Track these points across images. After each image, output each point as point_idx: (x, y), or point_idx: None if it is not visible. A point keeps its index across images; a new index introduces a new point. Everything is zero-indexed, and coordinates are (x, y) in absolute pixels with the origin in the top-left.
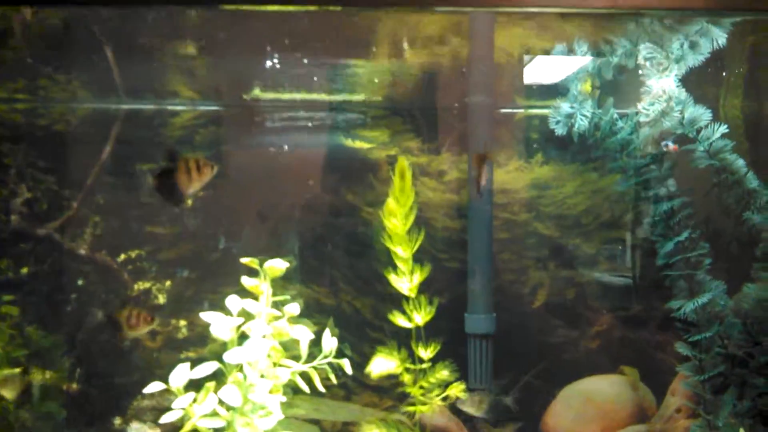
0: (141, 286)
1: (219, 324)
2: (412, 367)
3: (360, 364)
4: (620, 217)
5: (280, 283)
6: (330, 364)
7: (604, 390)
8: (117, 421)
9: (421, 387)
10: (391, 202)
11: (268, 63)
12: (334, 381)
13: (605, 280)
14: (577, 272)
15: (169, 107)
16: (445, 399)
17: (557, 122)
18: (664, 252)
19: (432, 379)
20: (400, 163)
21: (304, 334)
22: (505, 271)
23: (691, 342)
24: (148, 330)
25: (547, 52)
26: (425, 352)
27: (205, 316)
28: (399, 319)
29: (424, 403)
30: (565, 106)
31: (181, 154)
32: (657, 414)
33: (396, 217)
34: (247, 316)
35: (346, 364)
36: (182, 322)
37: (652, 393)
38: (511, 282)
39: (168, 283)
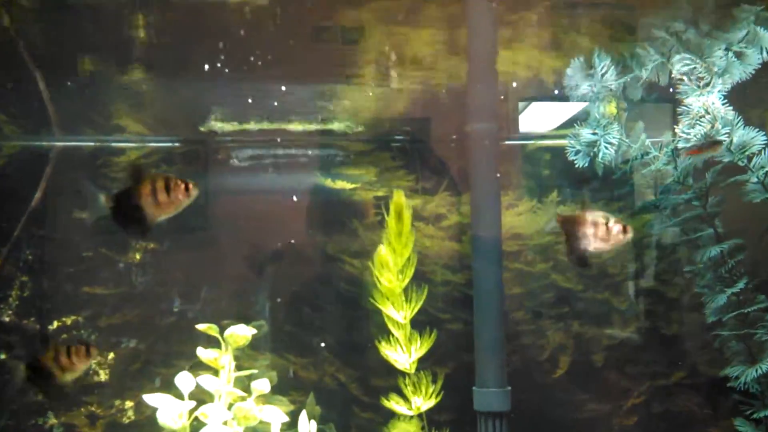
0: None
1: (167, 409)
2: None
3: None
4: (655, 266)
5: (248, 353)
6: None
7: None
8: None
9: None
10: (382, 251)
11: (230, 88)
12: None
13: (641, 341)
14: (606, 333)
15: (113, 144)
16: None
17: (577, 152)
18: (714, 307)
19: None
20: (396, 199)
21: (275, 416)
22: (519, 333)
23: (754, 418)
24: (86, 367)
25: (560, 71)
26: None
27: (150, 399)
28: (396, 405)
29: None
30: (585, 133)
31: (149, 171)
32: None
33: (390, 270)
34: (203, 393)
35: None
36: (128, 404)
37: None
38: (527, 347)
39: (111, 355)
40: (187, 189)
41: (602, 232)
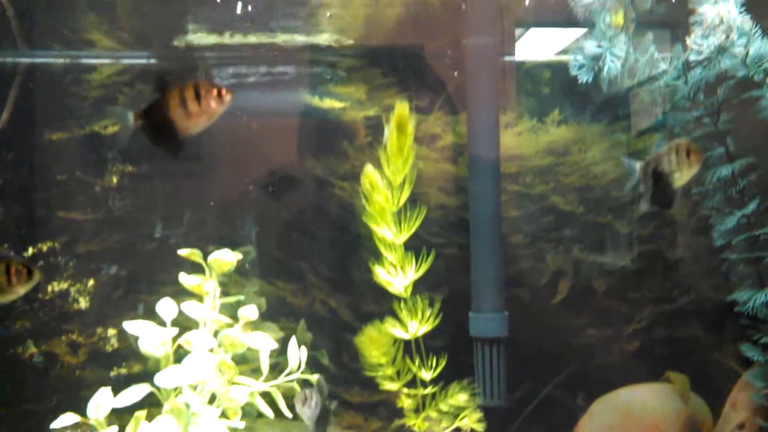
0: (56, 286)
1: (148, 336)
2: (413, 392)
3: (339, 376)
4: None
5: (235, 280)
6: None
7: (646, 402)
8: None
9: (428, 417)
10: (370, 169)
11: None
12: None
13: (644, 265)
14: (608, 257)
15: (84, 60)
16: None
17: (580, 67)
18: (722, 229)
19: (443, 406)
20: (399, 111)
21: (264, 343)
22: (517, 258)
23: (762, 343)
24: (25, 291)
25: None
26: (427, 372)
27: (130, 326)
28: (393, 329)
29: None
30: (590, 45)
31: (176, 79)
32: (714, 431)
33: (384, 190)
34: (189, 322)
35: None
36: (111, 332)
37: (707, 405)
38: (526, 272)
39: (91, 282)
40: (219, 95)
41: (684, 160)
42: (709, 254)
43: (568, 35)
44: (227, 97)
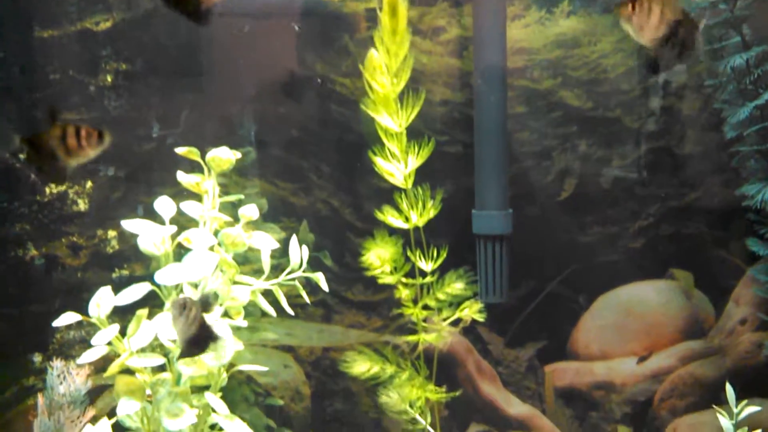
0: (54, 188)
1: (147, 234)
2: (410, 281)
3: (342, 276)
4: (672, 79)
5: (235, 180)
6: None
7: (648, 298)
8: (37, 358)
9: (426, 306)
10: (374, 54)
11: None
12: (307, 300)
13: (651, 160)
14: (616, 152)
15: None
16: (456, 323)
17: None
18: (734, 122)
19: (441, 295)
20: None
21: (265, 242)
22: (522, 155)
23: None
24: (98, 151)
25: None
26: (426, 264)
27: (129, 224)
28: (391, 218)
29: (427, 330)
30: None
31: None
32: (716, 327)
33: (383, 73)
34: (190, 223)
35: (320, 279)
36: (111, 233)
37: (710, 301)
38: (531, 169)
39: (89, 184)
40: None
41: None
42: (720, 150)
43: None
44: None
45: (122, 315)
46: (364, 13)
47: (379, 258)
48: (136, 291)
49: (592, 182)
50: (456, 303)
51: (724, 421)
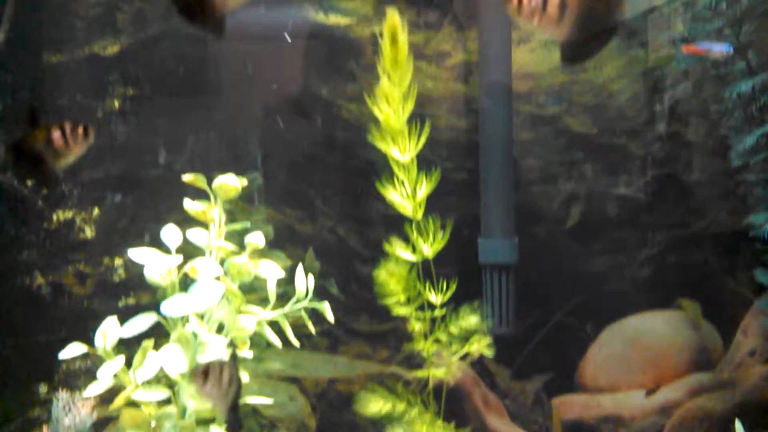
0: (61, 216)
1: (153, 264)
2: (421, 315)
3: (347, 305)
4: (679, 107)
5: (241, 207)
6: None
7: (656, 329)
8: (42, 389)
9: (436, 340)
10: (381, 83)
11: None
12: (312, 330)
13: (659, 189)
14: (622, 180)
15: None
16: (464, 357)
17: None
18: (740, 149)
19: (454, 329)
20: (390, 20)
21: (271, 271)
22: (528, 182)
23: None
24: (86, 147)
25: None
26: (436, 296)
27: (135, 254)
28: (399, 251)
29: (436, 365)
30: None
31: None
32: (724, 359)
33: (389, 103)
34: (197, 249)
35: (326, 309)
36: (117, 261)
37: (718, 333)
38: (537, 196)
39: (96, 211)
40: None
41: None
42: (726, 177)
43: None
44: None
45: (128, 344)
46: (369, 38)
47: (393, 287)
48: (142, 322)
49: (598, 210)
50: (465, 337)
51: None
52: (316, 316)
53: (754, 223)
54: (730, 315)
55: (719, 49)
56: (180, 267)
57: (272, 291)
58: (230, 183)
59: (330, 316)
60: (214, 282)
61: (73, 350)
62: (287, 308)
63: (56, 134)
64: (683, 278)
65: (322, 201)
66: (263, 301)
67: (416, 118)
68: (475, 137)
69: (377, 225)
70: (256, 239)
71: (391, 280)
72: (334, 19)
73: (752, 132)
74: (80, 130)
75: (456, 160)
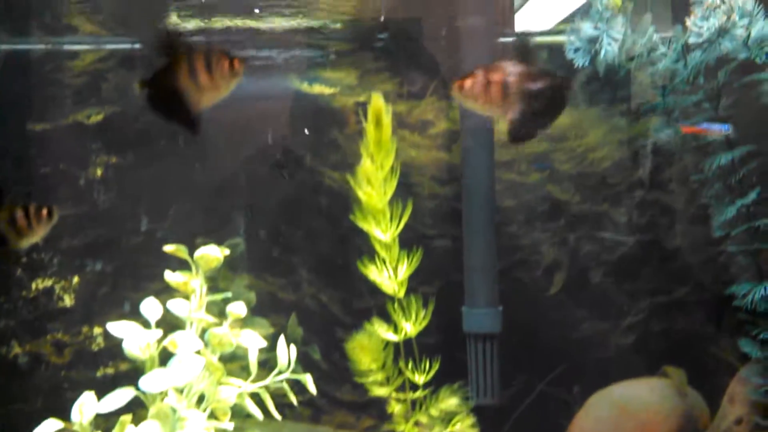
0: (40, 284)
1: (132, 338)
2: (401, 396)
3: (330, 374)
4: (660, 175)
5: (223, 274)
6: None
7: (642, 397)
8: None
9: (417, 423)
10: (364, 164)
11: None
12: (295, 402)
13: (641, 255)
14: (605, 248)
15: (66, 47)
16: None
17: (576, 50)
18: (722, 220)
19: (434, 411)
20: (374, 103)
21: (252, 341)
22: (511, 249)
23: (760, 339)
24: (48, 228)
25: None
26: (419, 377)
27: (114, 327)
28: (382, 330)
29: None
30: (586, 28)
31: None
32: (711, 426)
33: (371, 184)
34: (177, 318)
35: (308, 381)
36: (96, 330)
37: (704, 400)
38: (521, 263)
39: (75, 279)
40: (232, 66)
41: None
42: (708, 244)
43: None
44: (239, 69)
45: (107, 415)
46: (354, 107)
47: (368, 365)
48: (120, 397)
49: (581, 277)
50: (448, 419)
51: None
52: (298, 384)
53: (737, 293)
54: (716, 382)
55: (718, 129)
56: (159, 341)
57: (253, 363)
58: (212, 254)
59: (312, 388)
60: (193, 356)
61: (48, 426)
62: (269, 380)
63: (19, 215)
64: (667, 345)
65: (305, 268)
66: (245, 370)
67: (401, 188)
68: (458, 205)
69: (360, 292)
70: (238, 309)
71: (365, 356)
72: (318, 88)
73: (734, 203)
74: (44, 211)
75: (439, 227)
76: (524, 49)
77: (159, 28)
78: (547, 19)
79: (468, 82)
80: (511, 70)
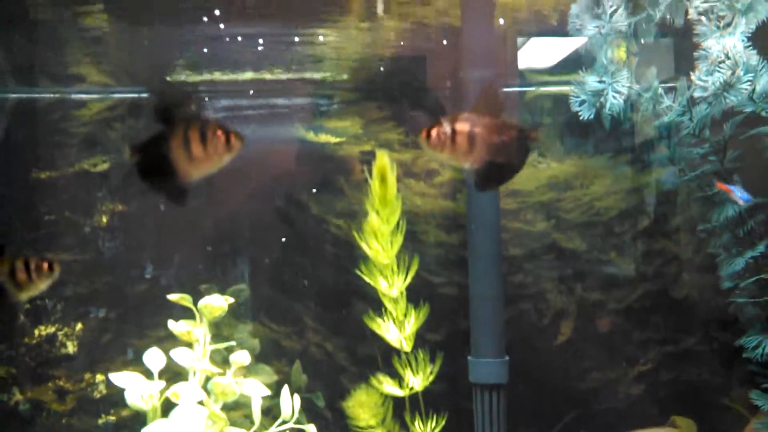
0: (43, 331)
1: (134, 389)
2: None
3: (334, 423)
4: (666, 224)
5: (227, 322)
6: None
7: None
8: None
9: None
10: (370, 219)
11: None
12: None
13: (649, 305)
14: (612, 296)
15: (74, 96)
16: None
17: (581, 103)
18: (730, 272)
19: None
20: (379, 161)
21: (256, 390)
22: (518, 297)
23: None
24: (49, 283)
25: (563, 12)
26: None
27: (117, 378)
28: (386, 386)
29: None
30: (591, 81)
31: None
32: None
33: (378, 239)
34: (181, 369)
35: (311, 430)
36: (99, 377)
37: None
38: (527, 312)
39: (79, 326)
40: (228, 141)
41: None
42: (716, 293)
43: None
44: (236, 143)
45: None
46: (359, 156)
47: (368, 421)
48: None
49: (589, 326)
50: None
51: None
52: None
53: (746, 345)
54: None
55: (740, 196)
56: (162, 391)
57: (256, 413)
58: (216, 303)
59: None
60: (196, 407)
61: None
62: (272, 429)
63: (20, 268)
64: (677, 395)
65: (309, 316)
66: (248, 418)
67: (407, 237)
68: (463, 252)
69: (365, 341)
70: (241, 358)
71: (365, 413)
72: (324, 138)
73: (742, 254)
74: (45, 265)
75: (445, 275)
76: (492, 99)
77: (159, 89)
78: (546, 67)
79: (434, 132)
80: (476, 120)
